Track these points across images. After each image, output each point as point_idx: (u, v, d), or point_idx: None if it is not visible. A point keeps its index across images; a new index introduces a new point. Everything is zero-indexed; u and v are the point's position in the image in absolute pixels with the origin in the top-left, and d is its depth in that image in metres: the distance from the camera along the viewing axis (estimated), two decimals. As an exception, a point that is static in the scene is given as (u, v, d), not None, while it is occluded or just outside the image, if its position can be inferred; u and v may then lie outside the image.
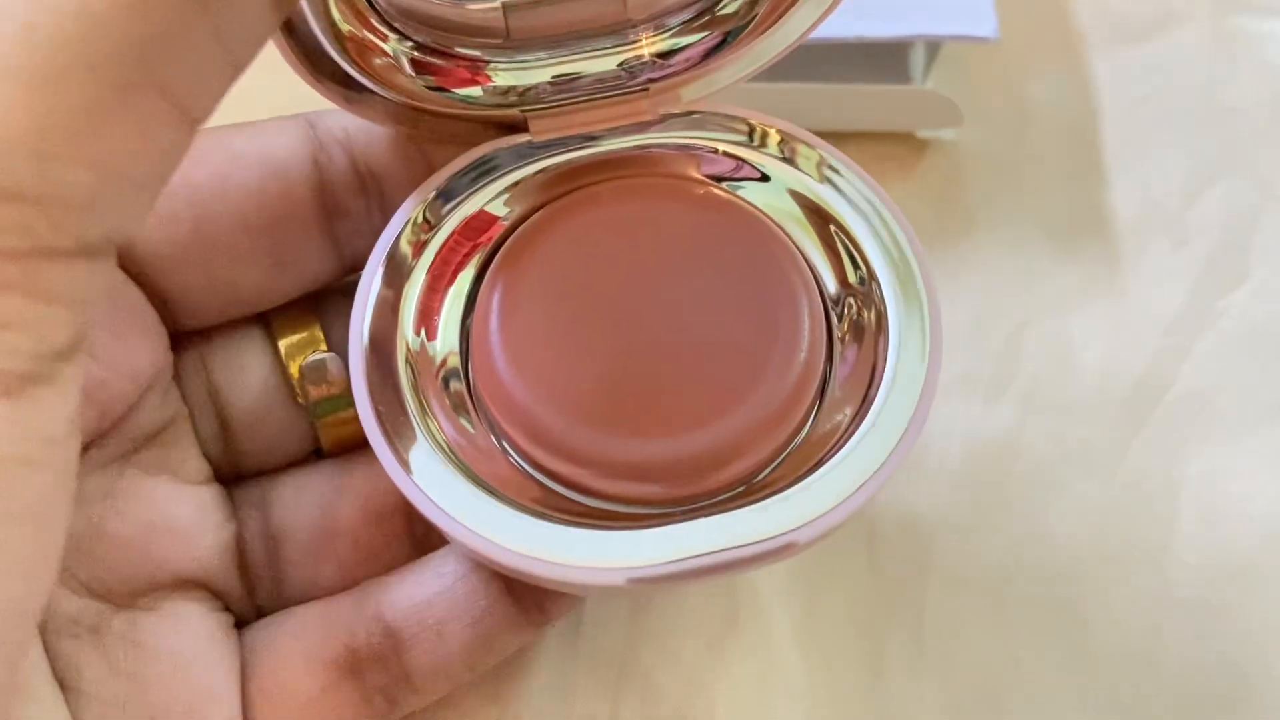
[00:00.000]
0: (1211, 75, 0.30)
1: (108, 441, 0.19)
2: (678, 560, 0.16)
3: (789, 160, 0.21)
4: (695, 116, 0.21)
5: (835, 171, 0.20)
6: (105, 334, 0.18)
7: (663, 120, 0.21)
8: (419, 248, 0.20)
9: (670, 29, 0.20)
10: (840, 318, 0.20)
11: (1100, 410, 0.25)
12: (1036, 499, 0.24)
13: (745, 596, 0.23)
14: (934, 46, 0.28)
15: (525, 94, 0.20)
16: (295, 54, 0.18)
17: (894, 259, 0.19)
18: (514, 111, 0.20)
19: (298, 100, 0.19)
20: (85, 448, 0.18)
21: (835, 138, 0.29)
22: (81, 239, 0.13)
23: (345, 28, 0.18)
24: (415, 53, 0.19)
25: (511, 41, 0.20)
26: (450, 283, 0.20)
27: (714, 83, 0.21)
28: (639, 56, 0.20)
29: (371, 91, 0.19)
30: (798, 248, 0.20)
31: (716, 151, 0.21)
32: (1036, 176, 0.29)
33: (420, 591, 0.19)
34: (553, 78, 0.20)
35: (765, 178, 0.21)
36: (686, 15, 0.20)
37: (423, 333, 0.19)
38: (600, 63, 0.20)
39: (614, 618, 0.23)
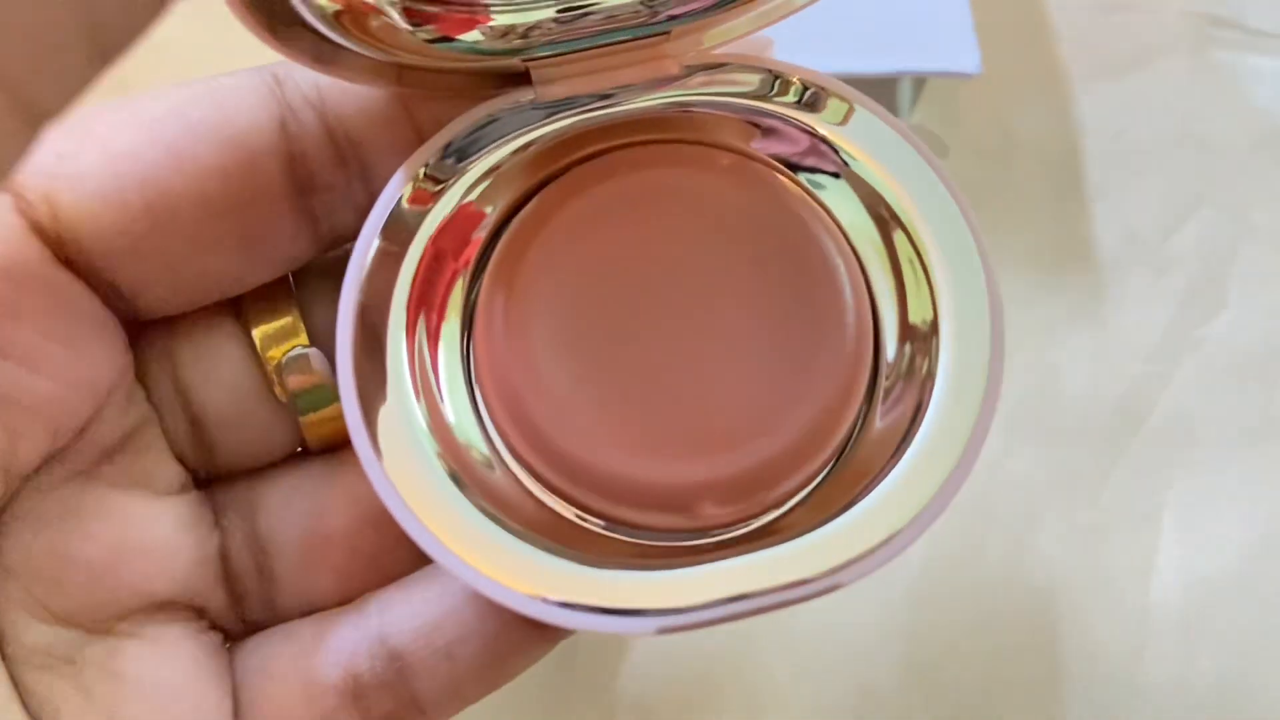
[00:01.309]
0: (1191, 109, 0.31)
1: (66, 457, 0.17)
2: (716, 604, 0.15)
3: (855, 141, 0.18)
4: (728, 69, 0.18)
5: (894, 150, 0.17)
6: (51, 343, 0.16)
7: (686, 74, 0.18)
8: (411, 228, 0.17)
9: None
10: (895, 322, 0.17)
11: (1082, 436, 0.26)
12: (1020, 523, 0.25)
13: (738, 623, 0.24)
14: (920, 81, 0.28)
15: (528, 34, 0.17)
16: (252, 12, 0.14)
17: (963, 282, 0.17)
18: (515, 60, 0.17)
19: (259, 49, 0.16)
20: (38, 468, 0.16)
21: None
22: None
23: None
24: (407, 4, 0.16)
25: None
26: (450, 275, 0.17)
27: (736, 28, 0.18)
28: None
29: (348, 49, 0.16)
30: (845, 234, 0.17)
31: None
32: (1020, 207, 0.29)
33: (427, 610, 0.17)
34: (558, 11, 0.17)
35: (835, 174, 0.18)
36: None
37: (419, 333, 0.17)
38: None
39: (608, 647, 0.23)
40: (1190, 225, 0.29)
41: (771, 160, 0.18)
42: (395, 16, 0.16)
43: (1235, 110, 0.30)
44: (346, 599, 0.18)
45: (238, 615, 0.18)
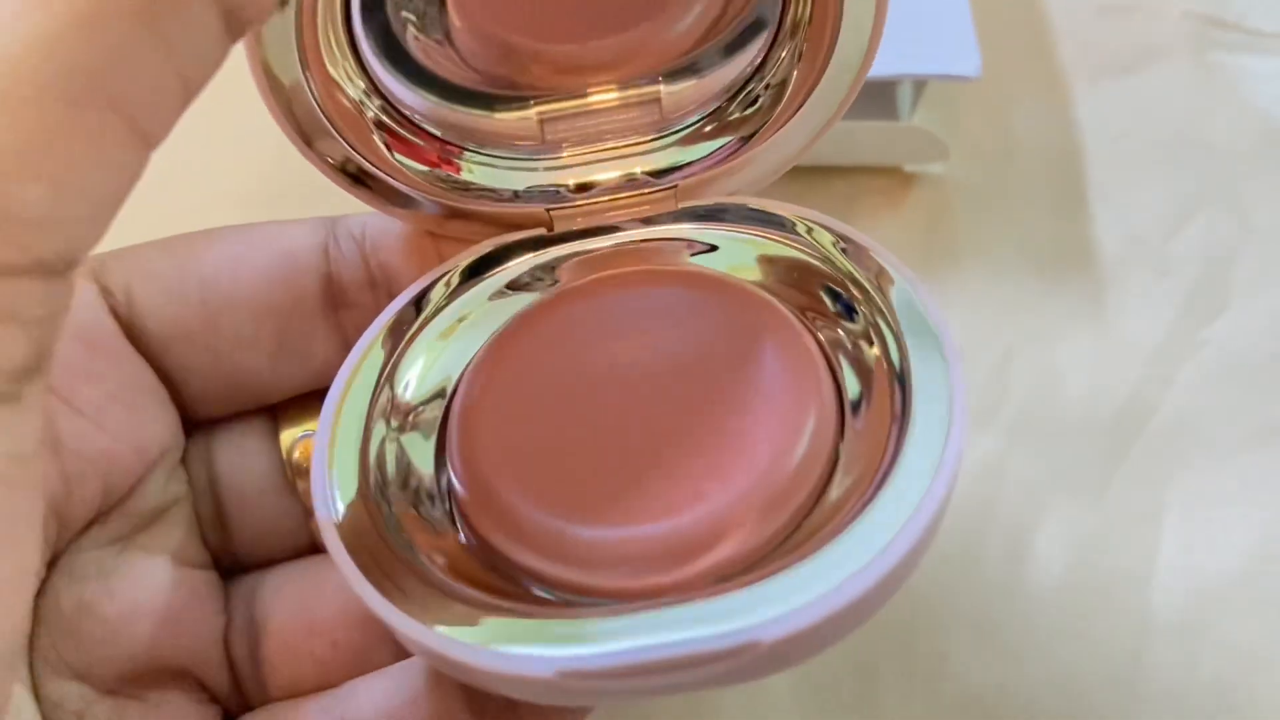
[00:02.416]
0: (1192, 109, 0.31)
1: (110, 519, 0.19)
2: (617, 652, 0.14)
3: (767, 224, 0.20)
4: (716, 208, 0.21)
5: (852, 244, 0.19)
6: (117, 405, 0.19)
7: (683, 214, 0.21)
8: (408, 339, 0.19)
9: (693, 126, 0.21)
10: (852, 397, 0.18)
11: (1084, 438, 0.26)
12: (1022, 526, 0.25)
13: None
14: (920, 84, 0.28)
15: (546, 191, 0.21)
16: (338, 176, 0.19)
17: (918, 339, 0.17)
18: (539, 209, 0.21)
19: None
20: (87, 525, 0.18)
21: (825, 173, 0.29)
22: (36, 256, 0.13)
23: (387, 153, 0.19)
24: (450, 151, 0.20)
25: (545, 148, 0.21)
26: (434, 372, 0.19)
27: (738, 181, 0.21)
28: (666, 159, 0.21)
29: (415, 201, 0.20)
30: (809, 328, 0.19)
31: (697, 244, 0.21)
32: (1021, 209, 0.29)
33: (386, 700, 0.18)
34: (576, 184, 0.21)
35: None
36: (708, 110, 0.21)
37: (401, 422, 0.19)
38: (627, 164, 0.21)
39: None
40: (1192, 227, 0.29)
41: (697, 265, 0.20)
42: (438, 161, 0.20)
43: (1237, 111, 0.31)
44: (326, 688, 0.19)
45: (236, 694, 0.20)
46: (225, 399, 0.21)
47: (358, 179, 0.20)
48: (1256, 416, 0.26)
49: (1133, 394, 0.26)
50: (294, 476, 0.21)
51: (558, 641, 0.14)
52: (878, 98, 0.28)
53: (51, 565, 0.18)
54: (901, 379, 0.17)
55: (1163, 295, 0.28)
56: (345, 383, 0.18)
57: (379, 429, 0.18)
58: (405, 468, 0.18)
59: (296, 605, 0.20)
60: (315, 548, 0.21)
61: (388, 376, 0.19)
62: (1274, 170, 0.29)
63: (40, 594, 0.18)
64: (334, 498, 0.17)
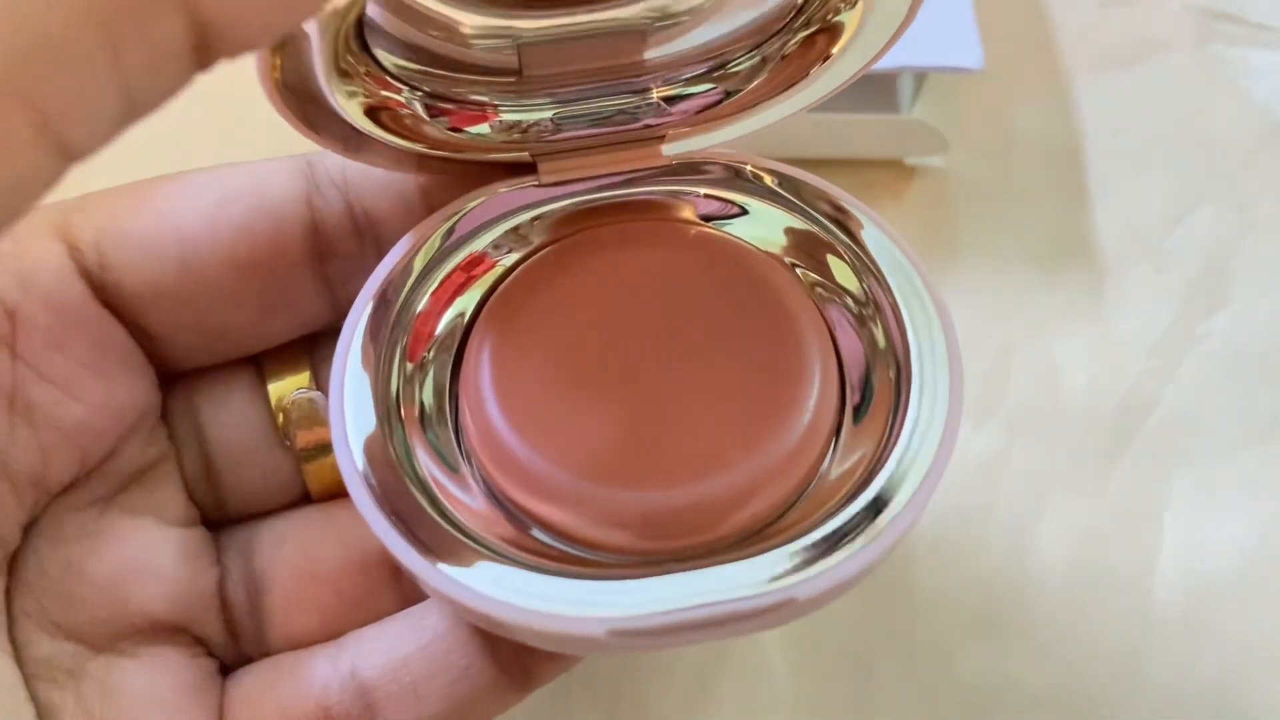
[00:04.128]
0: (1193, 103, 0.31)
1: (90, 481, 0.18)
2: (665, 612, 0.15)
3: (788, 198, 0.20)
4: (702, 164, 0.20)
5: (843, 212, 0.20)
6: (88, 372, 0.18)
7: (673, 167, 0.20)
8: (414, 282, 0.19)
9: (680, 81, 0.20)
10: (861, 351, 0.19)
11: (1085, 433, 0.26)
12: (1022, 520, 0.25)
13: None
14: (921, 76, 0.28)
15: (529, 130, 0.20)
16: (289, 106, 0.17)
17: (911, 301, 0.18)
18: (523, 154, 0.20)
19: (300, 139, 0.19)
20: (66, 488, 0.18)
21: (825, 165, 0.29)
22: None
23: (348, 85, 0.17)
24: (424, 99, 0.19)
25: (524, 83, 0.19)
26: (441, 324, 0.19)
27: (724, 135, 0.21)
28: (646, 100, 0.20)
29: (373, 138, 0.18)
30: (806, 288, 0.19)
31: (703, 195, 0.20)
32: (1022, 203, 0.29)
33: (398, 646, 0.18)
34: (555, 114, 0.20)
35: (744, 211, 0.20)
36: (698, 70, 0.20)
37: (410, 374, 0.18)
38: (607, 103, 0.20)
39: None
40: (1192, 221, 0.29)
41: (697, 220, 0.20)
42: (418, 109, 0.19)
43: (1238, 105, 0.30)
44: (331, 637, 0.19)
45: (233, 647, 0.20)
46: (207, 352, 0.20)
47: (348, 137, 0.18)
48: (1257, 410, 0.26)
49: (1133, 388, 0.26)
50: (288, 431, 0.20)
51: (604, 600, 0.15)
52: (878, 90, 0.28)
53: (31, 528, 0.18)
54: (902, 348, 0.18)
55: (1163, 289, 0.28)
56: (349, 343, 0.18)
57: (394, 374, 0.18)
58: (420, 421, 0.18)
59: (299, 555, 0.20)
60: (309, 498, 0.21)
61: (395, 319, 0.18)
62: (1275, 164, 0.29)
63: (21, 557, 0.18)
64: (356, 454, 0.17)
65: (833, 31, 0.19)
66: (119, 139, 0.13)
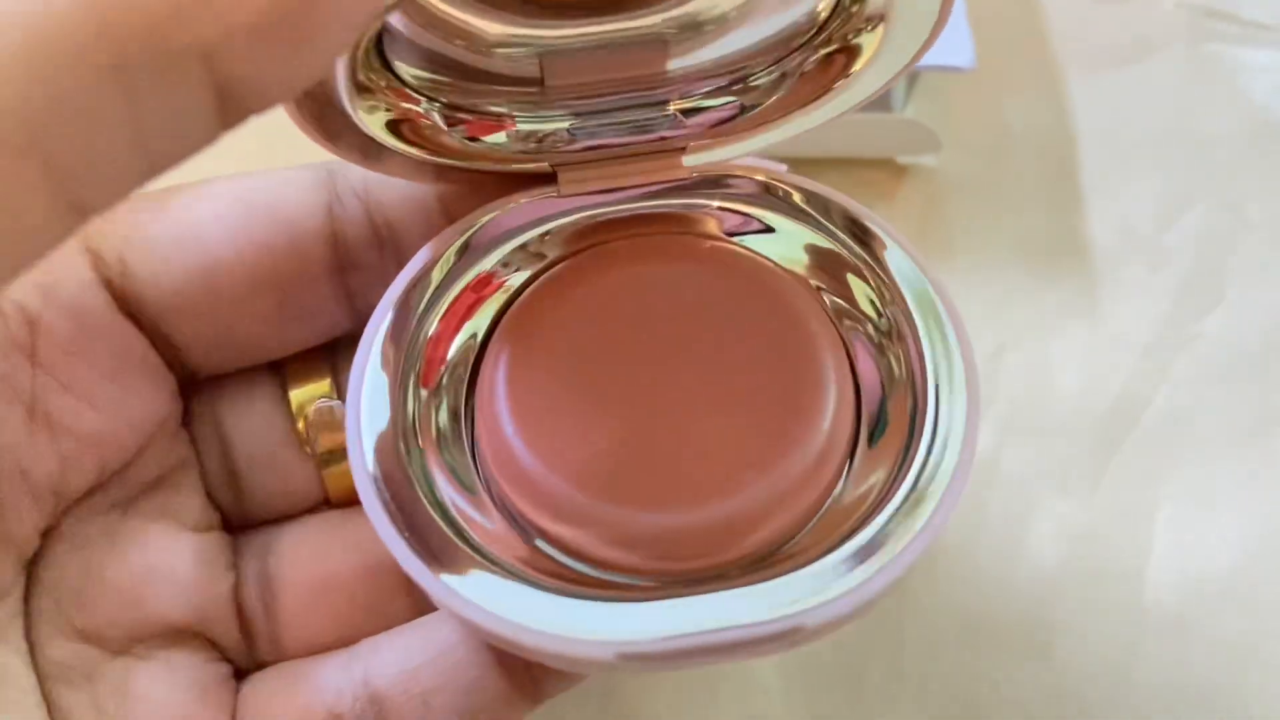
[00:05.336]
0: (1186, 102, 0.30)
1: (110, 487, 0.19)
2: (674, 637, 0.15)
3: (810, 215, 0.20)
4: (723, 177, 0.20)
5: (866, 232, 0.19)
6: (109, 382, 0.18)
7: (693, 180, 0.20)
8: (429, 300, 0.19)
9: (700, 94, 0.20)
10: (876, 372, 0.19)
11: (1077, 432, 0.26)
12: (1014, 520, 0.25)
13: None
14: (913, 75, 0.28)
15: (545, 140, 0.20)
16: (309, 118, 0.17)
17: (931, 329, 0.18)
18: (543, 164, 0.20)
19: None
20: (85, 494, 0.18)
21: (818, 164, 0.29)
22: None
23: (367, 99, 0.17)
24: (442, 110, 0.19)
25: (544, 93, 0.19)
26: (457, 337, 0.19)
27: (743, 148, 0.20)
28: (665, 112, 0.20)
29: (392, 150, 0.18)
30: (826, 309, 0.19)
31: (726, 209, 0.20)
32: (1014, 202, 0.29)
33: (409, 658, 0.19)
34: (572, 125, 0.20)
35: (769, 229, 0.20)
36: (719, 83, 0.20)
37: (426, 399, 0.18)
38: (626, 114, 0.20)
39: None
40: (1186, 219, 0.29)
41: (721, 236, 0.20)
42: (436, 119, 0.19)
43: (1231, 103, 0.30)
44: (344, 643, 0.19)
45: (248, 651, 0.20)
46: (228, 360, 0.20)
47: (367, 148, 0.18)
48: (1250, 410, 0.26)
49: (1126, 388, 0.26)
50: (309, 436, 0.20)
51: (615, 624, 0.15)
52: (870, 89, 0.28)
53: (50, 532, 0.18)
54: (920, 377, 0.18)
55: (1156, 288, 0.28)
56: (368, 352, 0.18)
57: (409, 398, 0.18)
58: (437, 444, 0.18)
59: (313, 560, 0.20)
60: (328, 503, 0.21)
61: (410, 343, 0.18)
62: (1268, 163, 0.29)
63: (40, 561, 0.18)
64: (370, 464, 0.17)
65: (853, 51, 0.19)
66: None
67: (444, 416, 0.19)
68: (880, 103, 0.28)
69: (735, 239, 0.20)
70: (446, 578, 0.16)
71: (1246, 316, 0.27)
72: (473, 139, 0.19)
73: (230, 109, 0.12)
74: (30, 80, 0.11)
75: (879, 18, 0.18)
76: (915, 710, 0.23)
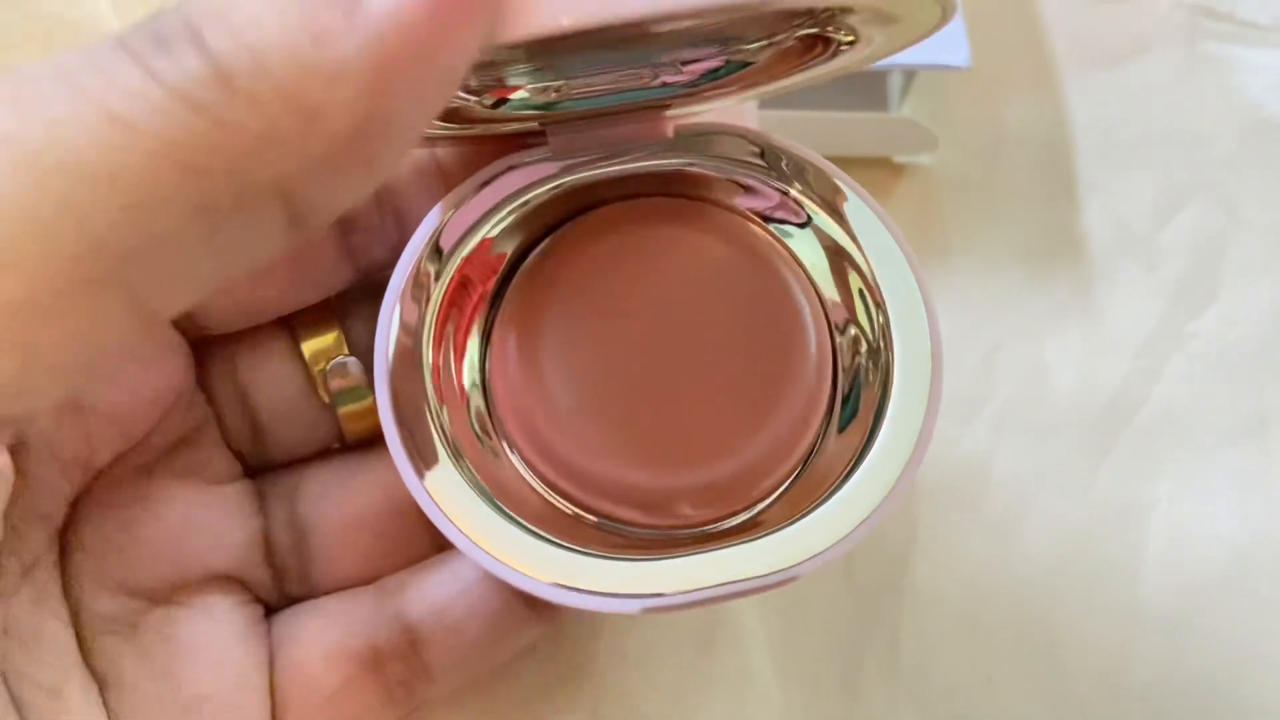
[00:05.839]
0: (1182, 101, 0.31)
1: (134, 454, 0.20)
2: (692, 591, 0.17)
3: (786, 174, 0.20)
4: (714, 137, 0.21)
5: (846, 202, 0.20)
6: (128, 361, 0.19)
7: (679, 140, 0.20)
8: (441, 264, 0.20)
9: (690, 54, 0.20)
10: (848, 349, 0.20)
11: (1072, 432, 0.26)
12: (1009, 519, 0.25)
13: (723, 616, 0.24)
14: (909, 74, 0.28)
15: (535, 100, 0.20)
16: None
17: (903, 300, 0.19)
18: (532, 124, 0.20)
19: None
20: (111, 463, 0.19)
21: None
22: None
23: None
24: None
25: (533, 56, 0.19)
26: (474, 300, 0.20)
27: (731, 104, 0.21)
28: (655, 72, 0.20)
29: None
30: (809, 278, 0.20)
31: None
32: (1010, 201, 0.29)
33: (440, 593, 0.20)
34: (561, 86, 0.20)
35: (806, 222, 0.20)
36: (711, 48, 0.20)
37: (445, 349, 0.19)
38: (617, 74, 0.20)
39: (593, 638, 0.23)
40: (1181, 219, 0.29)
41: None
42: None
43: (1227, 103, 0.30)
44: (371, 578, 0.21)
45: (278, 589, 0.21)
46: (241, 321, 0.21)
47: None
48: (1243, 409, 0.26)
49: (1120, 387, 0.26)
50: (321, 382, 0.21)
51: (642, 581, 0.17)
52: (867, 88, 0.28)
53: (80, 500, 0.19)
54: (886, 337, 0.19)
55: (1151, 287, 0.28)
56: (386, 334, 0.19)
57: (426, 355, 0.19)
58: (456, 391, 0.19)
59: (341, 502, 0.21)
60: (347, 445, 0.22)
61: (423, 305, 0.19)
62: (1264, 163, 0.29)
63: (77, 525, 0.19)
64: (396, 419, 0.18)
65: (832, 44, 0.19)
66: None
67: (466, 377, 0.20)
68: (877, 102, 0.28)
69: (723, 203, 0.21)
70: (486, 543, 0.17)
71: (1240, 315, 0.27)
72: (464, 102, 0.20)
73: (299, 225, 0.13)
74: (125, 222, 0.11)
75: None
76: (911, 706, 0.23)
